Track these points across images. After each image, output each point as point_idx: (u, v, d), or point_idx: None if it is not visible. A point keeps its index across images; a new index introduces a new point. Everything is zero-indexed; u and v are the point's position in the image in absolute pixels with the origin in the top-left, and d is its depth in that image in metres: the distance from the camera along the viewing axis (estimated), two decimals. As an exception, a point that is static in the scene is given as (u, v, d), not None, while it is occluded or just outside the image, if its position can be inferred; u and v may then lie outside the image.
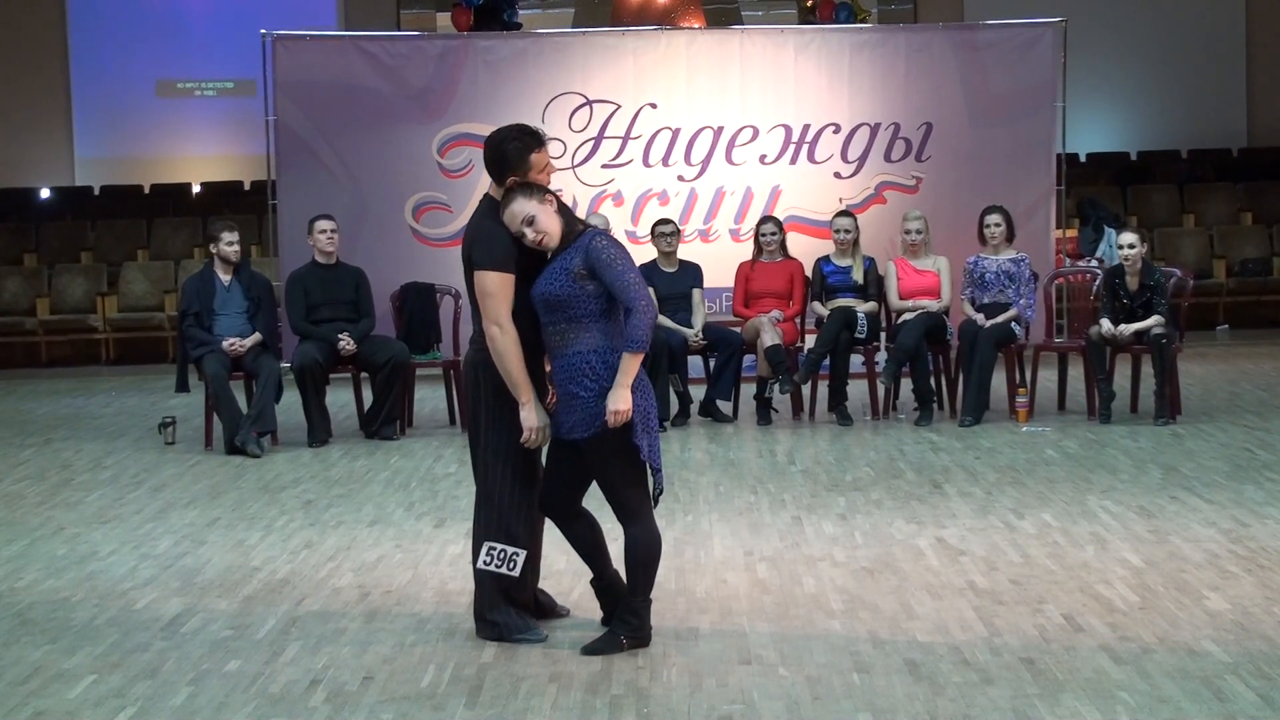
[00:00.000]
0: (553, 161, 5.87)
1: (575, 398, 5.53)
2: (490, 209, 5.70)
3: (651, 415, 5.57)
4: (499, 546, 5.70)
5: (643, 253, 11.56)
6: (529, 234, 5.54)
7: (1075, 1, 16.91)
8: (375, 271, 11.27)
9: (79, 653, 5.81)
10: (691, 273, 11.35)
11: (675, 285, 11.23)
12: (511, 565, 5.71)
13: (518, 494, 5.71)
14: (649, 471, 5.62)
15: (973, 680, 5.22)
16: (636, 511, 5.61)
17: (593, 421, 5.50)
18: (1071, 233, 15.18)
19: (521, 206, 5.54)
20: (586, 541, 5.83)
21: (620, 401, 5.41)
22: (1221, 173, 19.00)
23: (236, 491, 8.96)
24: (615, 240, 5.62)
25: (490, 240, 5.59)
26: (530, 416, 5.57)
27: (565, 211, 5.65)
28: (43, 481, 9.47)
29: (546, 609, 6.03)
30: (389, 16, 20.16)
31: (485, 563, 5.72)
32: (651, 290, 10.75)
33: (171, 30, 20.37)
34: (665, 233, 11.34)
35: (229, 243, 10.51)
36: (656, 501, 5.67)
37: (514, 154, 5.69)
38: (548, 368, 5.74)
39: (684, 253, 11.64)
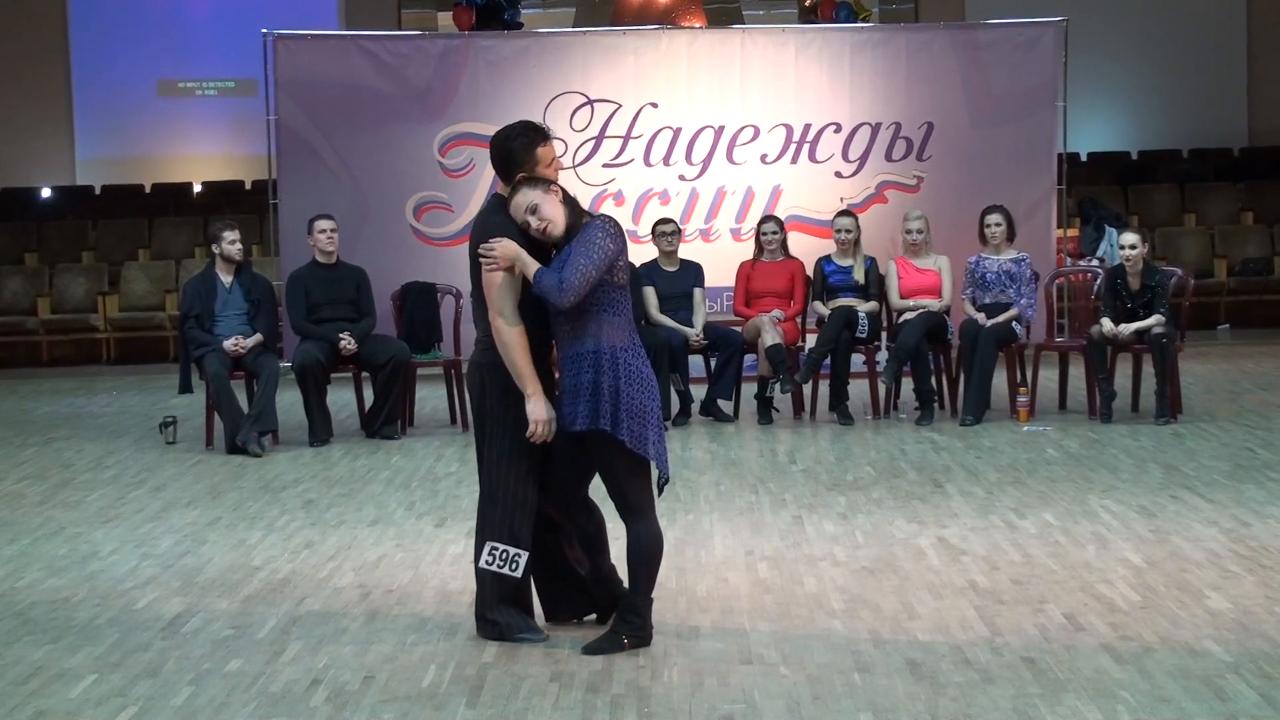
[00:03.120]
0: (559, 158, 5.88)
1: (581, 390, 5.53)
2: (499, 205, 5.73)
3: (646, 407, 5.56)
4: (501, 547, 5.70)
5: (644, 252, 11.58)
6: (533, 222, 5.55)
7: (1076, 1, 16.91)
8: (376, 271, 11.26)
9: (80, 652, 5.81)
10: (693, 272, 11.35)
11: (676, 285, 11.23)
12: (514, 566, 5.70)
13: (522, 495, 5.70)
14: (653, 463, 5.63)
15: (974, 680, 5.22)
16: (640, 507, 5.61)
17: (597, 414, 5.50)
18: (1073, 232, 15.19)
19: (525, 196, 5.56)
20: (588, 532, 5.84)
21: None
22: (1222, 172, 19.00)
23: (237, 491, 8.96)
24: (614, 232, 5.56)
25: (498, 234, 5.60)
26: (536, 409, 5.56)
27: (571, 203, 5.65)
28: (44, 481, 9.47)
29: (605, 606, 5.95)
30: (390, 16, 20.16)
31: (487, 563, 5.72)
32: (652, 290, 11.00)
33: (173, 30, 20.37)
34: (666, 232, 11.35)
35: (231, 241, 10.50)
36: (662, 490, 5.67)
37: (520, 150, 5.70)
38: (556, 374, 5.74)
39: (685, 252, 11.64)
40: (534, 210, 5.55)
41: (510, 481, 5.69)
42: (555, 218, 5.56)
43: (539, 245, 5.61)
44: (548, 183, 5.62)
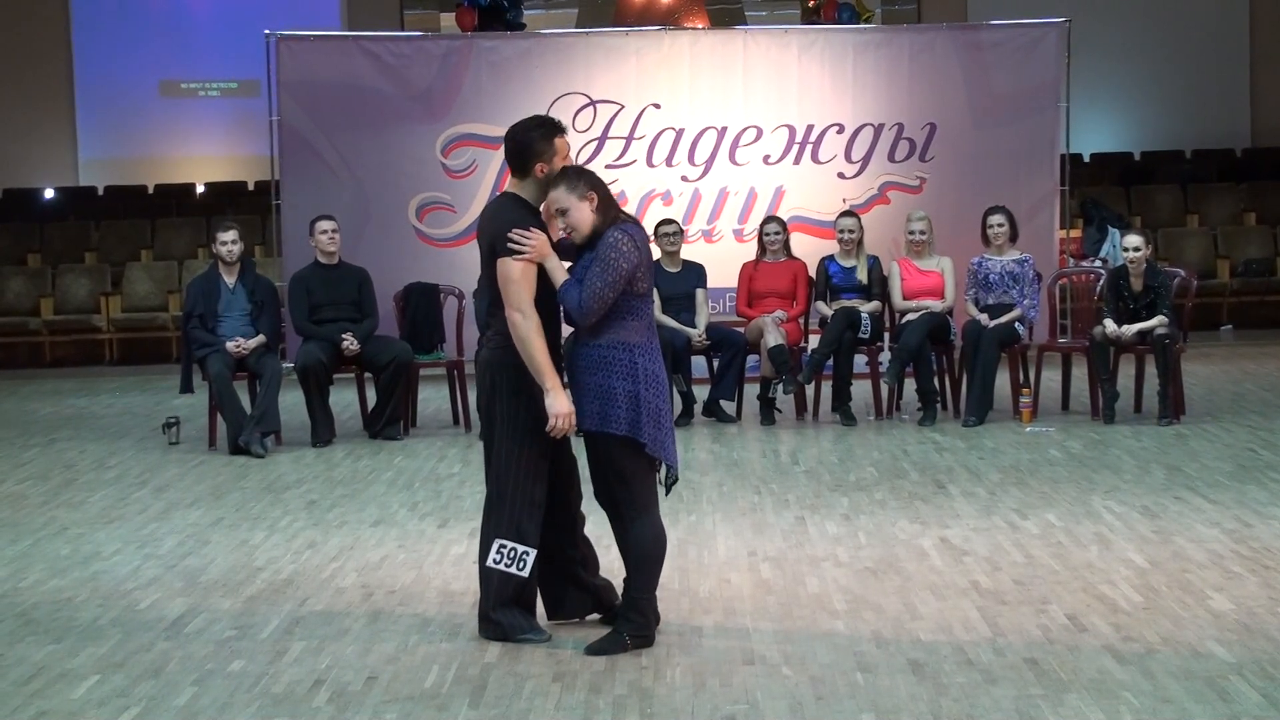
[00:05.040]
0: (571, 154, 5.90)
1: (590, 390, 5.56)
2: (511, 202, 5.73)
3: (661, 409, 5.58)
4: (509, 544, 5.70)
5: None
6: (559, 223, 5.64)
7: (1079, 1, 16.91)
8: (379, 272, 11.27)
9: (82, 653, 5.82)
10: (695, 273, 11.34)
11: (678, 285, 11.23)
12: (521, 565, 5.70)
13: (531, 494, 5.71)
14: (658, 464, 5.64)
15: (976, 680, 5.22)
16: (646, 504, 5.64)
17: (608, 418, 5.52)
18: (1075, 233, 15.17)
19: (562, 197, 5.60)
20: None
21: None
22: (1225, 173, 18.99)
23: (240, 491, 8.96)
24: (628, 251, 5.55)
25: (513, 228, 5.60)
26: (556, 403, 5.55)
27: (606, 209, 5.63)
28: (46, 481, 9.47)
29: (607, 603, 5.97)
30: (392, 17, 20.17)
31: (495, 561, 5.71)
32: (654, 290, 10.96)
33: (175, 30, 20.39)
34: (668, 233, 11.34)
35: (223, 242, 10.52)
36: (669, 489, 5.70)
37: (539, 139, 5.74)
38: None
39: (687, 253, 11.64)
40: (564, 214, 5.60)
41: (519, 480, 5.69)
42: (580, 226, 5.60)
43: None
44: (587, 188, 5.60)
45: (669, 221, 11.57)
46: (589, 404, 5.56)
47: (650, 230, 11.94)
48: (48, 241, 17.78)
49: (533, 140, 5.73)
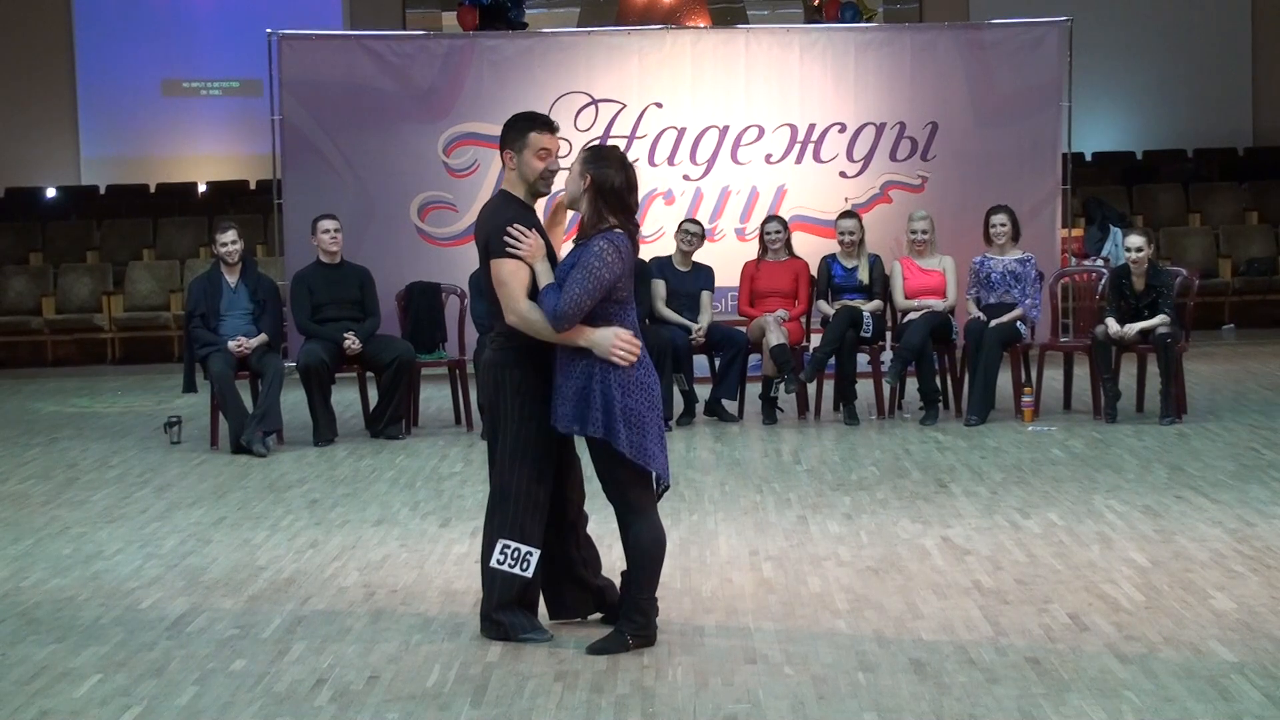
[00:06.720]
0: (556, 154, 5.81)
1: (568, 393, 5.56)
2: (507, 201, 5.73)
3: (645, 415, 5.54)
4: (513, 545, 5.70)
5: (651, 250, 11.58)
6: (559, 172, 5.73)
7: (1081, 1, 16.90)
8: (380, 271, 11.27)
9: (84, 652, 5.82)
10: (704, 275, 11.32)
11: (686, 284, 11.23)
12: (524, 565, 5.70)
13: (534, 494, 5.70)
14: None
15: (978, 680, 5.22)
16: (641, 507, 5.62)
17: (585, 420, 5.52)
18: (1077, 232, 15.17)
19: (576, 160, 5.63)
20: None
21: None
22: (1227, 172, 19.01)
23: (242, 491, 8.96)
24: (611, 260, 5.49)
25: (509, 226, 5.60)
26: (601, 338, 5.47)
27: (595, 207, 5.57)
28: (48, 481, 9.48)
29: (609, 603, 5.95)
30: (394, 16, 20.18)
31: (499, 561, 5.71)
32: (662, 283, 10.98)
33: (177, 29, 20.41)
34: (691, 231, 11.32)
35: (222, 243, 10.53)
36: (661, 495, 5.68)
37: (514, 129, 5.76)
38: None
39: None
40: (558, 169, 5.69)
41: (522, 480, 5.69)
42: (570, 192, 5.64)
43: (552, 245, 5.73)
44: (590, 175, 5.55)
45: (694, 222, 11.58)
46: (569, 407, 5.55)
47: (654, 229, 11.97)
48: (49, 241, 17.80)
49: (516, 124, 5.75)
